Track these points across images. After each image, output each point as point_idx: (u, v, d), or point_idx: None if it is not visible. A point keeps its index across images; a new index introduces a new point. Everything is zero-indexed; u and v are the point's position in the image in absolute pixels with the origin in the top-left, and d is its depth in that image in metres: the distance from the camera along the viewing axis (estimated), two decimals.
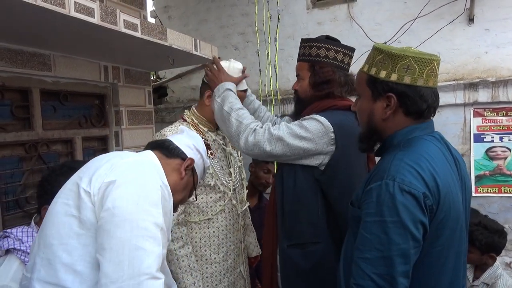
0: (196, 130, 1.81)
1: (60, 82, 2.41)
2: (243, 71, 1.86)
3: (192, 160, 1.28)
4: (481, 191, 3.05)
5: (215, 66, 1.82)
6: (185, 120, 1.86)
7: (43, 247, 0.96)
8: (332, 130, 1.53)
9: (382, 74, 1.11)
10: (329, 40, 1.72)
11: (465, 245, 1.15)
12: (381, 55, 1.13)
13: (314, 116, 1.58)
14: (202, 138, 1.79)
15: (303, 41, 1.78)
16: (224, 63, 1.84)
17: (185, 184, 1.28)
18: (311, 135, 1.53)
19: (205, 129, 1.85)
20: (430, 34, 3.07)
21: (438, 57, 1.14)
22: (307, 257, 1.59)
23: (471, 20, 3.00)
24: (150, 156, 1.20)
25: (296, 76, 1.80)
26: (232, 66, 1.85)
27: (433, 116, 1.18)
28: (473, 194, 3.04)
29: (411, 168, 1.02)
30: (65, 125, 2.51)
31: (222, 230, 1.81)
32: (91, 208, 0.93)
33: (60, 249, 0.93)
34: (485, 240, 1.99)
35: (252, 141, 1.58)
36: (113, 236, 0.88)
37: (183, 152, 1.28)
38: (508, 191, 2.99)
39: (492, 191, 3.03)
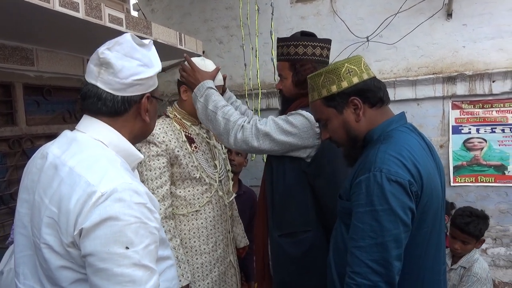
0: (180, 125, 1.83)
1: (43, 76, 2.38)
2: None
3: (147, 98, 1.04)
4: (459, 181, 3.17)
5: (187, 65, 1.78)
6: (168, 116, 1.86)
7: (55, 285, 0.93)
8: (317, 125, 1.57)
9: (334, 89, 1.23)
10: (305, 36, 1.73)
11: (443, 224, 1.23)
12: (321, 77, 1.25)
13: (300, 111, 1.62)
14: (185, 132, 1.82)
15: (280, 40, 1.79)
16: (198, 60, 1.84)
17: (153, 117, 1.11)
18: (296, 130, 1.58)
19: (188, 123, 1.87)
20: (410, 29, 3.15)
21: (361, 55, 1.30)
22: (298, 245, 1.65)
23: (449, 15, 3.09)
24: (103, 151, 0.97)
25: (279, 76, 1.82)
26: (208, 63, 1.85)
27: (389, 101, 1.28)
28: (451, 184, 3.16)
29: (395, 159, 1.08)
30: (49, 120, 2.49)
31: (210, 221, 1.84)
32: (79, 254, 0.89)
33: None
34: (484, 229, 2.11)
35: (240, 138, 1.60)
36: (92, 283, 0.86)
37: (131, 97, 1.01)
38: (484, 181, 3.12)
39: (469, 181, 3.15)
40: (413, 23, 3.15)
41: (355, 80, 1.21)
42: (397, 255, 1.05)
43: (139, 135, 1.10)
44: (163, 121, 1.81)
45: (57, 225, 0.88)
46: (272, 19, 3.16)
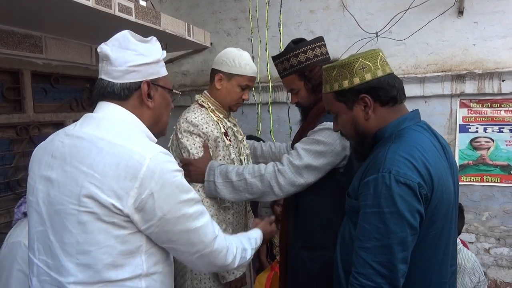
0: (214, 117, 1.77)
1: (52, 64, 2.39)
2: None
3: (147, 83, 1.09)
4: (464, 180, 3.15)
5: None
6: (203, 106, 1.78)
7: (76, 253, 0.96)
8: None
9: (345, 84, 1.19)
10: (299, 43, 1.72)
11: (454, 226, 1.20)
12: (334, 70, 1.22)
13: (323, 125, 1.58)
14: (218, 124, 1.74)
15: (277, 57, 1.76)
16: (235, 50, 1.78)
17: (160, 105, 1.14)
18: (328, 146, 1.53)
19: (221, 116, 1.80)
20: (420, 26, 3.11)
21: (379, 49, 1.24)
22: (316, 260, 1.62)
23: (460, 12, 3.05)
24: (126, 125, 1.05)
25: (290, 91, 1.78)
26: (244, 54, 1.78)
27: (405, 99, 1.24)
28: None
29: (405, 160, 1.06)
30: (56, 108, 2.51)
31: (236, 217, 1.81)
32: (125, 219, 0.95)
33: (100, 252, 0.96)
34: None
35: (284, 182, 1.55)
36: (175, 232, 1.02)
37: (130, 84, 1.07)
38: (490, 180, 3.09)
39: (474, 180, 3.13)
40: (423, 19, 3.11)
41: (368, 77, 1.17)
42: (403, 258, 1.04)
43: (152, 124, 1.13)
44: (200, 111, 1.75)
45: (100, 188, 0.94)
46: (280, 11, 3.13)
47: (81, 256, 0.96)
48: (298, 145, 1.63)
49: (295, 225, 1.71)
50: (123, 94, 1.07)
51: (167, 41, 2.54)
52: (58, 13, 1.83)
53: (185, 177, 1.59)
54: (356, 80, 1.18)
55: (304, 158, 1.55)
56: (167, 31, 2.31)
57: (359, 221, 1.10)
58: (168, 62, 3.95)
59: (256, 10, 3.34)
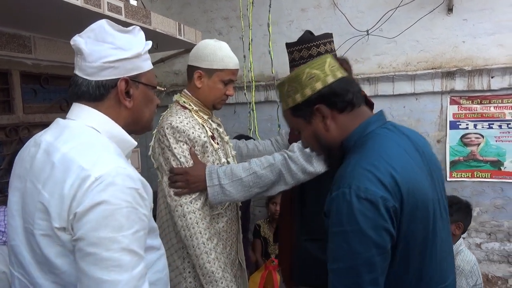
0: (199, 119, 1.64)
1: (41, 64, 2.37)
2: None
3: (124, 81, 1.00)
4: (455, 176, 3.18)
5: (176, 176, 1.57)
6: (186, 107, 1.65)
7: (48, 272, 0.92)
8: None
9: (298, 98, 1.13)
10: (315, 35, 1.71)
11: (444, 230, 1.12)
12: (285, 86, 1.16)
13: None
14: (204, 127, 1.62)
15: (295, 45, 1.71)
16: (212, 42, 1.70)
17: (140, 104, 1.05)
18: None
19: (205, 117, 1.68)
20: (410, 23, 3.14)
21: (328, 55, 1.19)
22: (325, 249, 1.63)
23: (450, 10, 3.08)
24: (91, 133, 0.96)
25: None
26: (223, 45, 1.67)
27: (363, 101, 1.17)
28: (448, 179, 3.17)
29: (367, 172, 0.99)
30: (46, 109, 2.48)
31: (229, 223, 1.72)
32: (70, 238, 0.88)
33: (65, 276, 0.91)
34: (463, 215, 2.14)
35: (297, 169, 1.52)
36: (79, 268, 0.85)
37: (106, 81, 0.99)
38: (480, 176, 3.13)
39: (465, 176, 3.17)
40: (413, 17, 3.13)
41: (319, 85, 1.10)
42: (372, 279, 0.96)
43: (130, 123, 1.06)
44: (184, 113, 1.62)
45: (47, 210, 0.87)
46: (270, 10, 3.13)
47: (52, 275, 0.92)
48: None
49: (301, 218, 1.68)
50: (98, 93, 0.98)
51: (158, 40, 2.52)
52: (46, 12, 1.81)
53: (182, 188, 1.54)
54: (308, 92, 1.11)
55: None
56: (157, 30, 2.30)
57: (328, 241, 1.04)
58: (159, 61, 3.94)
59: (247, 9, 3.33)
